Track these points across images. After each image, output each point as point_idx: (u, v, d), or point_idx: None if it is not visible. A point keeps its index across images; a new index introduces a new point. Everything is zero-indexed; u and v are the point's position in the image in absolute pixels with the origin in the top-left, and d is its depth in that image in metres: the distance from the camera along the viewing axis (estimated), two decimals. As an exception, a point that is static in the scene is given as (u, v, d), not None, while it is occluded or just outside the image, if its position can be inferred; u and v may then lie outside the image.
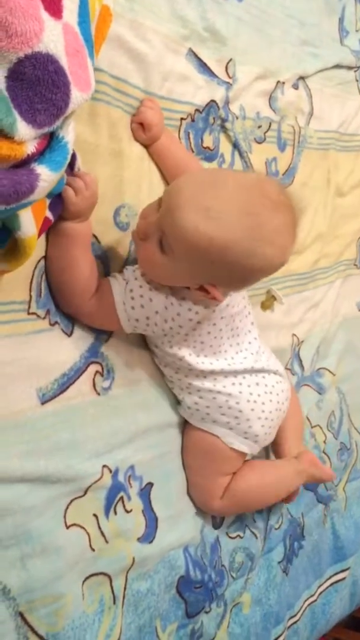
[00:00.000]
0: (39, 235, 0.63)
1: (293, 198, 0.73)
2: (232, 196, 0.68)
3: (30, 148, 0.50)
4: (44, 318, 0.72)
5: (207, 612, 0.92)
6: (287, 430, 1.02)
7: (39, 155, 0.52)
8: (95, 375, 0.79)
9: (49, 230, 0.72)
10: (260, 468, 0.98)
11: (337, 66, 1.26)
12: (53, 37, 0.50)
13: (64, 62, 0.51)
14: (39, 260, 0.72)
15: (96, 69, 0.76)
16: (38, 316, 0.71)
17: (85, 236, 0.74)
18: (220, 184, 0.69)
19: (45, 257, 0.73)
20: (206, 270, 0.71)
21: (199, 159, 0.95)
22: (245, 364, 0.86)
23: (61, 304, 0.75)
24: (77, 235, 0.73)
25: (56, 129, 0.53)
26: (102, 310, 0.76)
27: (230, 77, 1.00)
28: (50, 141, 0.53)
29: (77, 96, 0.52)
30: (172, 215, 0.68)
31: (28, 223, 0.56)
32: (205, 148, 0.96)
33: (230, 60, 1.00)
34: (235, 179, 0.72)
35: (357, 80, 1.33)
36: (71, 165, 0.68)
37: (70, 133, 0.55)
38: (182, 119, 0.92)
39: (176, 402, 0.90)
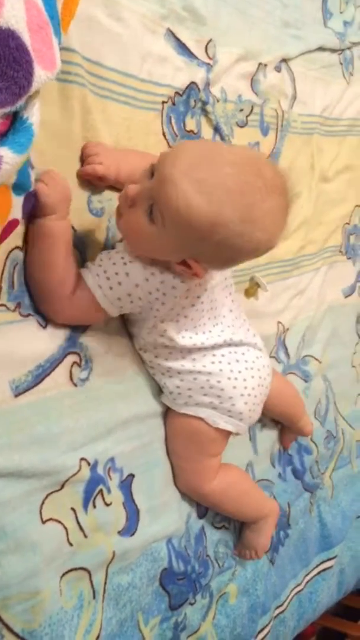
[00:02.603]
0: (3, 238, 0.61)
1: (287, 181, 0.71)
2: (227, 172, 0.66)
3: (-9, 129, 0.48)
4: (14, 310, 0.70)
5: (191, 604, 0.91)
6: (297, 407, 1.07)
7: (1, 137, 0.50)
8: (72, 365, 0.76)
9: (28, 231, 0.70)
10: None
11: (321, 49, 1.23)
12: (14, 12, 0.48)
13: (26, 38, 0.49)
14: (11, 251, 0.70)
15: (69, 50, 0.74)
16: (7, 308, 0.69)
17: (65, 236, 0.73)
18: (216, 158, 0.67)
19: (25, 260, 0.71)
20: (192, 245, 0.70)
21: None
22: (222, 336, 0.85)
23: (43, 308, 0.73)
24: (57, 235, 0.71)
25: (20, 109, 0.51)
26: (83, 303, 0.75)
27: (210, 59, 0.97)
28: (14, 122, 0.51)
29: (40, 75, 0.50)
30: (165, 184, 0.66)
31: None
32: (188, 132, 0.94)
33: (210, 40, 0.97)
34: (232, 154, 0.69)
35: (341, 64, 1.30)
36: None
37: (35, 114, 0.53)
38: (163, 102, 0.90)
39: (158, 391, 0.88)
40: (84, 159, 0.77)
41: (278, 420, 1.10)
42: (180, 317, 0.81)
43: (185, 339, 0.82)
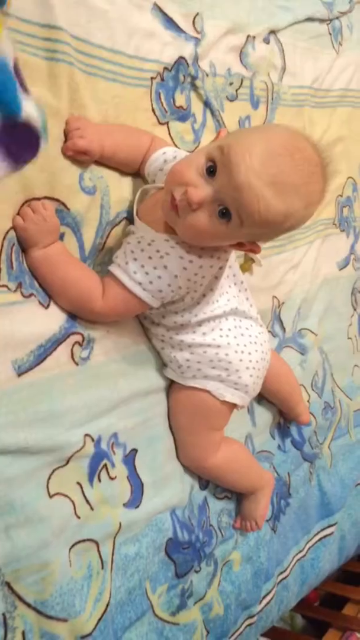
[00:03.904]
0: None
1: (325, 153, 0.74)
2: (290, 165, 0.69)
3: None
4: (15, 291, 0.71)
5: (197, 572, 0.94)
6: (293, 393, 1.10)
7: None
8: (73, 345, 0.78)
9: (29, 261, 0.73)
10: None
11: (309, 19, 1.22)
12: None
13: None
14: (8, 232, 0.71)
15: (56, 28, 0.74)
16: (8, 289, 0.70)
17: (60, 257, 0.75)
18: (276, 152, 0.69)
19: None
20: (261, 234, 0.75)
21: (172, 119, 0.93)
22: (229, 305, 0.87)
23: (87, 319, 0.79)
24: (51, 260, 0.73)
25: None
26: (119, 303, 0.78)
27: (198, 32, 0.97)
28: None
29: None
30: (242, 192, 0.68)
31: None
32: (178, 107, 0.94)
33: (197, 14, 0.96)
34: (281, 142, 0.71)
35: (330, 34, 1.29)
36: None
37: None
38: (152, 78, 0.89)
39: (160, 366, 0.90)
40: (66, 134, 0.77)
41: (275, 402, 1.11)
42: (207, 291, 0.83)
43: (201, 309, 0.84)
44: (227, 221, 0.72)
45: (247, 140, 0.71)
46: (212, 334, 0.86)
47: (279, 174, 0.69)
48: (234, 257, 0.90)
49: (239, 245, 0.78)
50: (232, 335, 0.88)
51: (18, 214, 0.72)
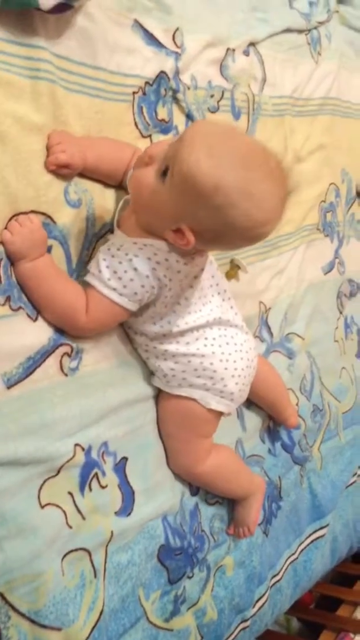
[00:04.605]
0: None
1: (288, 176, 0.76)
2: (238, 148, 0.73)
3: None
4: (4, 304, 0.72)
5: (190, 577, 0.94)
6: (281, 397, 1.11)
7: None
8: (62, 356, 0.79)
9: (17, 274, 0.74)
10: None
11: (287, 30, 1.25)
12: None
13: None
14: (-5, 247, 0.72)
15: (36, 47, 0.75)
16: (-4, 302, 0.71)
17: (47, 270, 0.76)
18: (231, 136, 0.76)
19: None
20: (191, 206, 0.73)
21: (154, 132, 0.94)
22: (212, 314, 0.88)
23: (71, 333, 0.79)
24: (38, 274, 0.75)
25: None
26: (101, 312, 0.79)
27: (178, 47, 0.99)
28: None
29: None
30: (183, 144, 0.72)
31: None
32: (160, 121, 0.96)
33: (177, 29, 0.98)
34: (246, 138, 0.80)
35: (308, 44, 1.32)
36: None
37: None
38: (134, 92, 0.91)
39: (148, 375, 0.91)
40: (48, 149, 0.77)
41: (263, 406, 1.12)
42: (181, 299, 0.84)
43: (182, 320, 0.85)
44: (165, 179, 0.73)
45: (215, 123, 0.77)
46: (196, 344, 0.87)
47: (225, 147, 0.72)
48: (216, 266, 0.91)
49: (178, 233, 0.76)
50: (217, 344, 0.89)
51: (6, 228, 0.73)
